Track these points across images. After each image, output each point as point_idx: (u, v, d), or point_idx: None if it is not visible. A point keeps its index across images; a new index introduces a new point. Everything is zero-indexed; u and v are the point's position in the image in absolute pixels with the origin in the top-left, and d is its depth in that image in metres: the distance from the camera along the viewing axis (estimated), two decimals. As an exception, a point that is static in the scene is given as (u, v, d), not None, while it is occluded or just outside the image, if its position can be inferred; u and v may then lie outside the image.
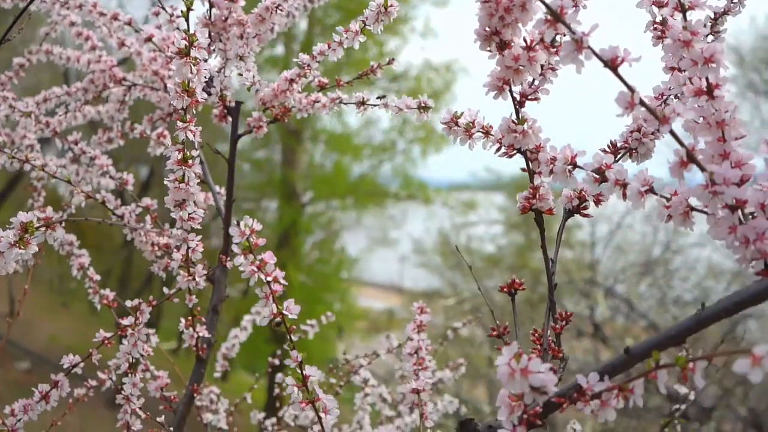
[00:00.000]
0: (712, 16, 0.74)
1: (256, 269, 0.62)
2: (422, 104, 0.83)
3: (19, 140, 1.30)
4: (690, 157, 0.51)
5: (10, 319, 1.21)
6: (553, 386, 0.51)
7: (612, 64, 0.51)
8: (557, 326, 0.64)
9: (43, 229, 0.67)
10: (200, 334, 0.97)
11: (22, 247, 0.68)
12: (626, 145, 0.69)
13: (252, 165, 11.60)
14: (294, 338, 0.67)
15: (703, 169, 0.51)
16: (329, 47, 0.91)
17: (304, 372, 0.65)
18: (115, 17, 1.11)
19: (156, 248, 1.04)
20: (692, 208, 0.55)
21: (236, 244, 0.62)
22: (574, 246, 8.76)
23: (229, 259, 0.96)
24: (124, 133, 1.21)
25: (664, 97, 0.69)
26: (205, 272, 0.92)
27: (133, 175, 1.20)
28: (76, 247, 1.12)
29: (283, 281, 0.63)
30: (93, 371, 1.09)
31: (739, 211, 0.53)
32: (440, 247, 10.82)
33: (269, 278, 0.63)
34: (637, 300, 6.40)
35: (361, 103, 0.95)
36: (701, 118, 0.55)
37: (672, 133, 0.52)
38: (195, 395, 0.99)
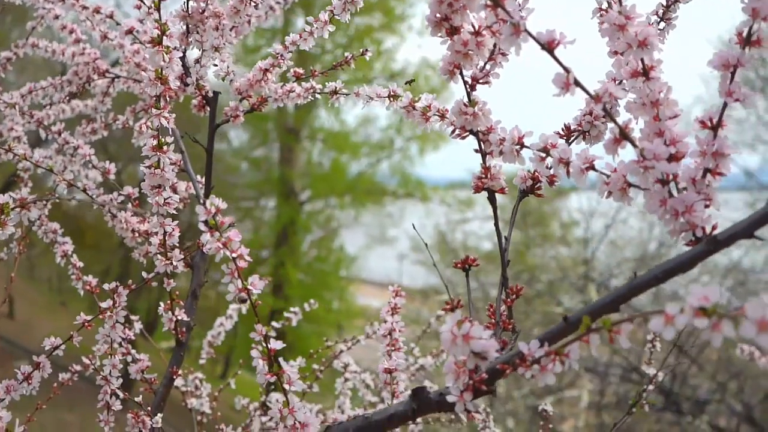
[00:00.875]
0: (665, 3, 0.77)
1: (221, 246, 0.65)
2: (392, 93, 0.86)
3: (6, 132, 1.33)
4: (623, 134, 0.54)
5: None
6: (494, 352, 0.54)
7: (549, 46, 0.54)
8: (509, 300, 0.67)
9: (18, 209, 0.70)
10: (179, 318, 1.00)
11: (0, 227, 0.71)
12: (579, 128, 0.72)
13: (250, 164, 11.62)
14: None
15: (635, 146, 0.54)
16: (301, 37, 0.94)
17: (269, 345, 0.68)
18: (97, 10, 1.14)
19: (136, 235, 1.07)
20: (629, 184, 0.57)
21: (202, 222, 0.65)
22: (571, 244, 8.80)
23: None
24: (108, 124, 1.24)
25: (617, 82, 0.72)
26: (182, 257, 0.95)
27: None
28: (59, 234, 1.15)
29: (248, 258, 0.66)
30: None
31: (673, 186, 0.56)
32: (438, 245, 10.86)
33: (234, 255, 0.65)
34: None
35: (334, 93, 0.98)
36: (639, 99, 0.58)
37: (606, 111, 0.55)
38: (174, 377, 1.02)
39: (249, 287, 0.66)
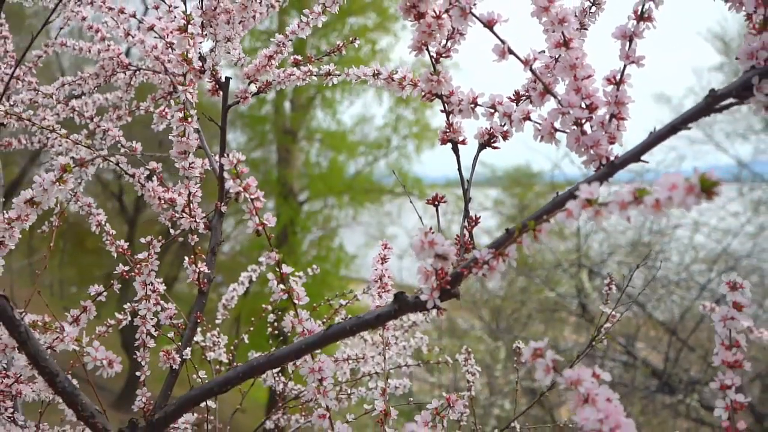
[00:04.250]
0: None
1: (242, 189, 0.82)
2: (375, 71, 1.04)
3: (39, 122, 1.50)
4: (546, 89, 0.72)
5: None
6: (454, 256, 0.71)
7: (489, 24, 0.71)
8: (470, 226, 0.84)
9: (78, 168, 0.87)
10: (201, 270, 1.18)
11: (61, 183, 0.88)
12: (527, 93, 0.89)
13: (248, 165, 11.78)
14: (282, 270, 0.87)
15: (555, 98, 0.72)
16: (299, 27, 1.12)
17: (281, 270, 0.85)
18: (121, 11, 1.32)
19: (162, 202, 1.24)
20: (556, 129, 0.75)
21: (226, 171, 0.82)
22: (567, 237, 8.98)
23: (224, 204, 1.16)
24: (131, 111, 1.41)
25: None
26: (204, 216, 1.13)
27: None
28: (94, 207, 1.32)
29: (263, 199, 0.83)
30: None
31: (588, 127, 0.73)
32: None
33: (253, 197, 0.83)
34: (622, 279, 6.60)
35: (328, 74, 1.16)
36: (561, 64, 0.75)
37: (533, 72, 0.72)
38: (198, 321, 1.19)
39: (264, 222, 0.84)
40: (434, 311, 0.76)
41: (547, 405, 6.76)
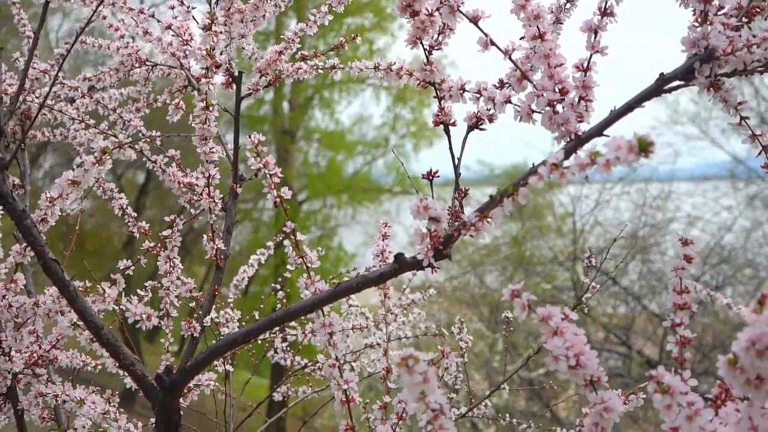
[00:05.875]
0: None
1: (262, 166, 0.94)
2: (376, 64, 1.16)
3: (61, 115, 1.62)
4: (523, 76, 0.84)
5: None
6: (446, 218, 0.83)
7: (474, 20, 0.83)
8: (459, 197, 0.96)
9: (117, 149, 0.99)
10: (218, 247, 1.29)
11: (100, 164, 1.00)
12: (509, 81, 1.01)
13: (247, 166, 11.90)
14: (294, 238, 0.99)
15: (531, 83, 0.84)
16: (307, 25, 1.24)
17: (296, 238, 0.97)
18: (141, 11, 1.43)
19: (181, 186, 1.36)
20: (532, 110, 0.87)
21: (248, 150, 0.94)
22: (565, 234, 9.12)
23: (239, 186, 1.28)
24: (149, 103, 1.53)
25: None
26: (222, 196, 1.24)
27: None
28: (116, 191, 1.44)
29: (280, 175, 0.95)
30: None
31: (560, 108, 0.85)
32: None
33: (271, 173, 0.95)
34: (618, 274, 6.75)
35: (333, 68, 1.28)
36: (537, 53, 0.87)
37: (512, 60, 0.84)
38: (216, 293, 1.31)
39: (281, 195, 0.96)
40: (430, 274, 0.88)
41: (545, 399, 6.89)
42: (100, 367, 1.33)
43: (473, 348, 7.45)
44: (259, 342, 1.73)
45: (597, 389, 0.72)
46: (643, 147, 0.60)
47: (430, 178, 0.98)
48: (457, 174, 0.98)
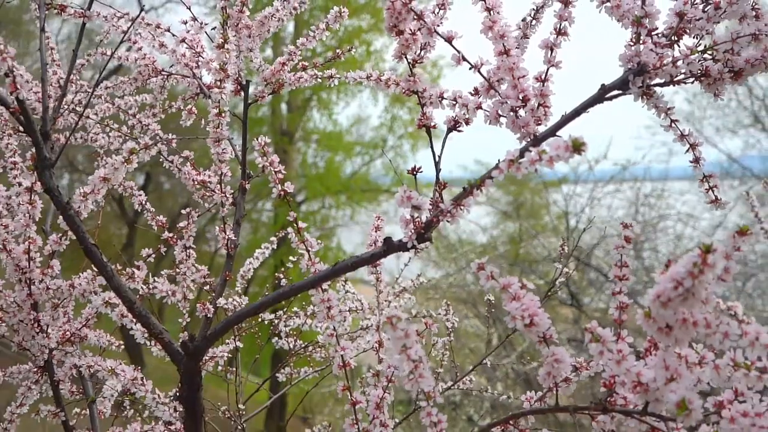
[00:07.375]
0: (535, 7, 1.22)
1: (268, 165, 1.10)
2: (369, 74, 1.31)
3: (83, 120, 1.78)
4: (490, 86, 1.00)
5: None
6: (427, 207, 0.99)
7: (448, 39, 0.99)
8: (440, 188, 1.12)
9: (143, 150, 1.15)
10: (229, 237, 1.45)
11: (128, 163, 1.16)
12: (480, 90, 1.17)
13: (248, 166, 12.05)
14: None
15: (496, 91, 1.00)
16: (307, 40, 1.40)
17: (298, 225, 1.13)
18: (158, 26, 1.59)
19: (195, 183, 1.51)
20: (499, 115, 1.03)
21: (256, 150, 1.09)
22: (561, 233, 9.27)
23: (247, 182, 1.44)
24: (165, 109, 1.69)
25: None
26: (233, 191, 1.40)
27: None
28: (135, 189, 1.59)
29: (283, 171, 1.11)
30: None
31: (522, 112, 1.01)
32: (434, 239, 11.22)
33: (276, 169, 1.11)
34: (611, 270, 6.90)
35: (331, 77, 1.44)
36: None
37: (480, 73, 1.00)
38: (227, 279, 1.47)
39: (285, 188, 1.11)
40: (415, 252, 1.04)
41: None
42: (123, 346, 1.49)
43: (468, 344, 7.61)
44: (265, 323, 1.89)
45: (549, 345, 0.87)
46: (577, 147, 0.75)
47: (415, 173, 1.14)
48: (438, 169, 1.14)
